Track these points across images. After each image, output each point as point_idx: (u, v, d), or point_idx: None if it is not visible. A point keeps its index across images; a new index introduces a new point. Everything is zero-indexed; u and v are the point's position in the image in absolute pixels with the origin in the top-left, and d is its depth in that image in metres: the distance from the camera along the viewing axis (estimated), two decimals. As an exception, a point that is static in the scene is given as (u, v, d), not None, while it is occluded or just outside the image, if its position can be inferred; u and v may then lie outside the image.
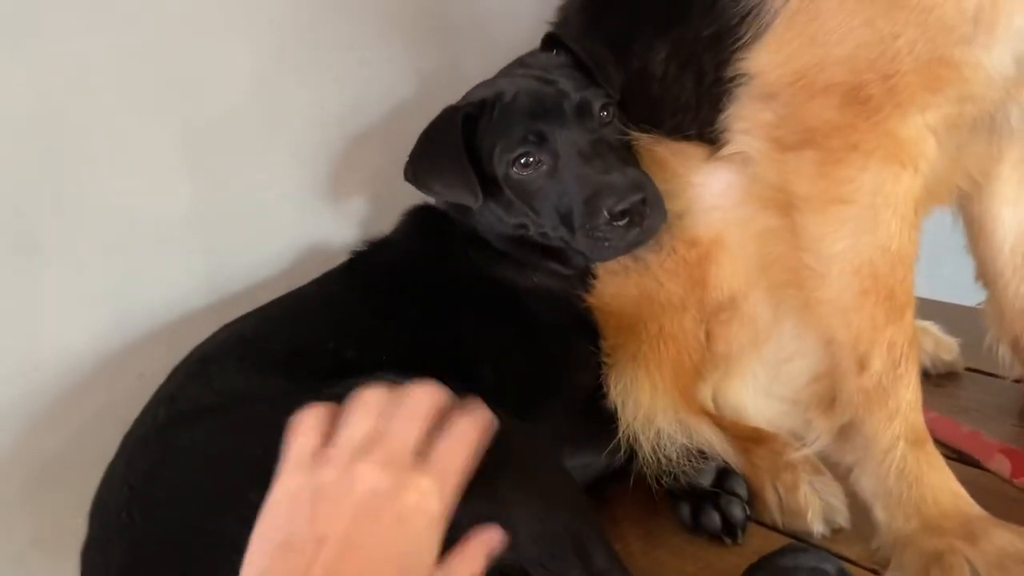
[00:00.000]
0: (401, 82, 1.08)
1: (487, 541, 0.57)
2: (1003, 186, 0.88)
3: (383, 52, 1.06)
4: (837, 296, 0.74)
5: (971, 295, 0.99)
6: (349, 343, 0.77)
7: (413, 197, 0.94)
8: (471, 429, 0.59)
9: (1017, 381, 0.96)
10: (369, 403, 0.58)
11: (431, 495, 0.54)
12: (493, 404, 0.75)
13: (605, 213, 0.80)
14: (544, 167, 0.84)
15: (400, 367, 0.71)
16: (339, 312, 0.83)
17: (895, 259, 0.72)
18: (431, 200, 0.94)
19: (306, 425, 0.57)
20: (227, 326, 0.82)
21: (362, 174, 1.05)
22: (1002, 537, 0.69)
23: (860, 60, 0.66)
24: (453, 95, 0.91)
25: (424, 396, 0.59)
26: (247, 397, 0.70)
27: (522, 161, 0.83)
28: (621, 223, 0.81)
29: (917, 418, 0.75)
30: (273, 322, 0.82)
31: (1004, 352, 0.95)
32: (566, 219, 0.83)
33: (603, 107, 0.85)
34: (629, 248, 0.84)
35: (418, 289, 0.85)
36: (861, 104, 0.67)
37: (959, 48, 0.63)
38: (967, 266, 0.97)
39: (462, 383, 0.73)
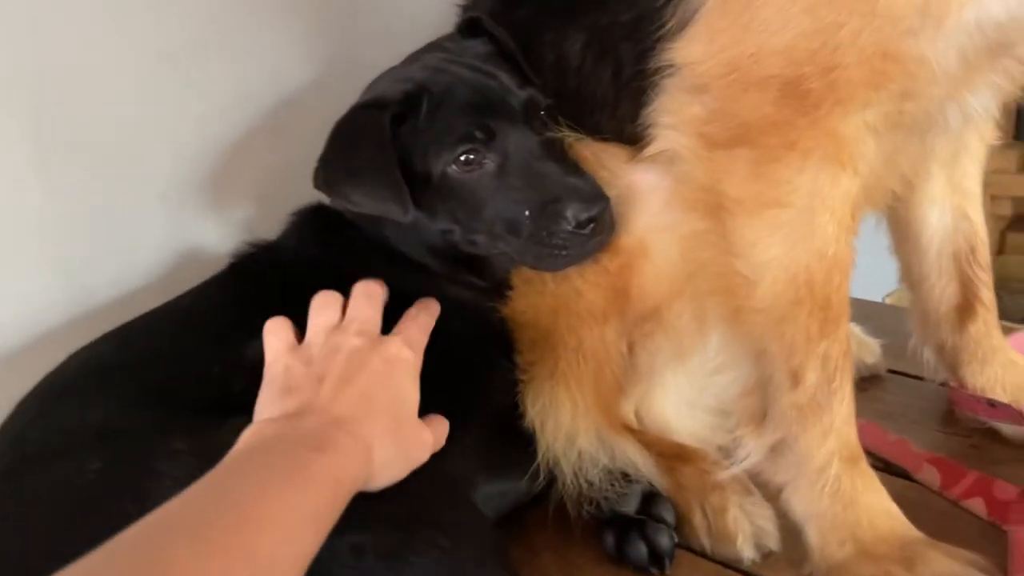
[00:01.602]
0: (292, 71, 0.97)
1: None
2: (931, 186, 0.85)
3: (272, 39, 0.96)
4: (770, 305, 0.69)
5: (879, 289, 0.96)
6: (237, 369, 0.66)
7: (306, 198, 0.84)
8: (420, 312, 0.72)
9: (942, 384, 0.93)
10: (328, 300, 0.70)
11: (403, 348, 0.67)
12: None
13: (570, 219, 0.73)
14: (491, 166, 0.75)
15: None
16: (220, 329, 0.72)
17: (832, 266, 0.67)
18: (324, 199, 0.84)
19: (276, 325, 0.68)
20: (85, 349, 0.70)
21: (249, 172, 0.95)
22: (940, 562, 0.65)
23: (799, 51, 0.60)
24: (351, 85, 0.82)
25: (368, 288, 0.72)
26: (109, 436, 0.59)
27: (464, 159, 0.75)
28: (585, 231, 0.74)
29: (851, 434, 0.71)
30: (142, 343, 0.70)
31: (929, 356, 0.92)
32: (513, 225, 0.75)
33: (543, 105, 0.79)
34: (585, 259, 0.78)
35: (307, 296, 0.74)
36: (800, 99, 0.62)
37: (905, 41, 0.58)
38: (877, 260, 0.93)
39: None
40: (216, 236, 0.92)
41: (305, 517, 0.50)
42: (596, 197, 0.75)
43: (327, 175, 0.76)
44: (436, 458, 0.65)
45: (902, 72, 0.60)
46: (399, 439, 0.61)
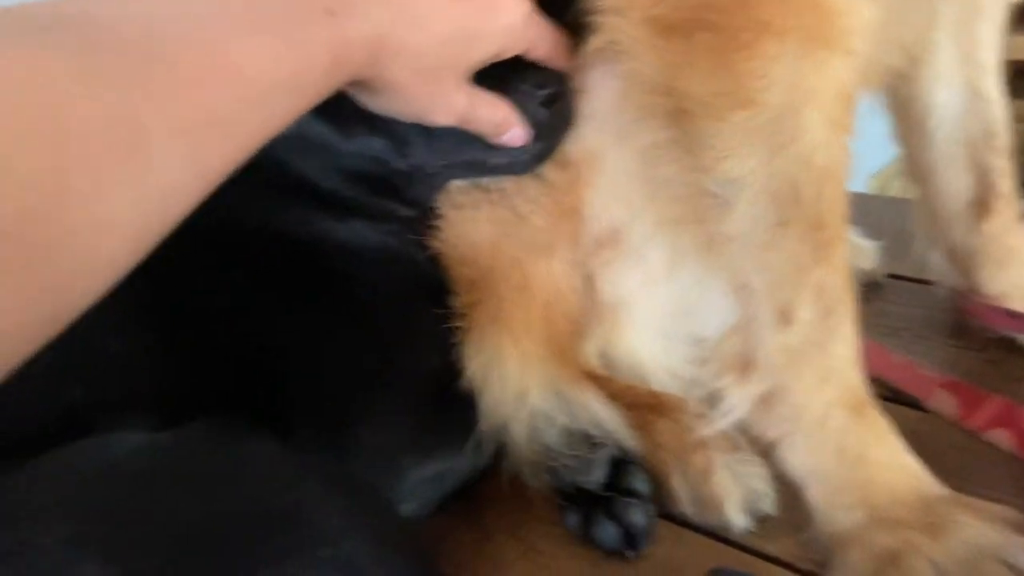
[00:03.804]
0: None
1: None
2: (937, 59, 0.70)
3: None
4: (749, 230, 0.56)
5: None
6: (72, 371, 0.50)
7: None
8: None
9: (953, 291, 0.80)
10: None
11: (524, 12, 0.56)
12: (306, 426, 0.56)
13: (530, 89, 0.61)
14: None
15: (158, 402, 0.49)
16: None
17: (822, 176, 0.53)
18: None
19: None
20: None
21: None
22: (972, 528, 0.53)
23: None
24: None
25: None
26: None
27: None
28: (549, 110, 0.62)
29: (854, 377, 0.59)
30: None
31: (938, 261, 0.79)
32: None
33: None
34: (553, 150, 0.65)
35: (179, 264, 0.59)
36: (770, -39, 0.47)
37: None
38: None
39: (259, 408, 0.53)
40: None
41: (279, 81, 0.40)
42: (558, 72, 0.62)
43: None
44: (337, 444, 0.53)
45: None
46: (427, 75, 0.52)
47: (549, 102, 0.61)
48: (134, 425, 0.46)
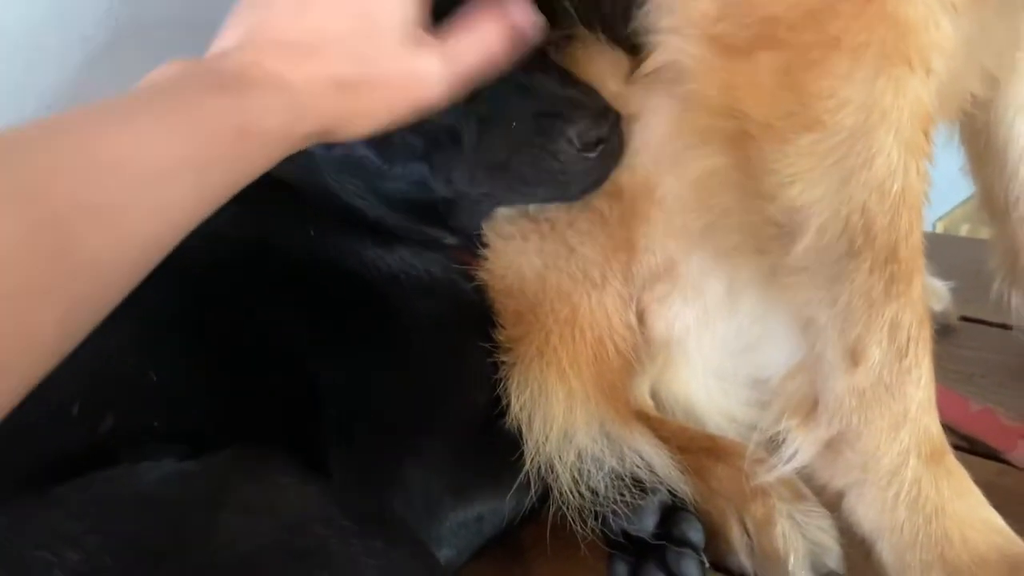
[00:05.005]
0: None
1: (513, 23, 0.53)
2: (1020, 84, 0.66)
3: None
4: (816, 262, 0.52)
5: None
6: (106, 399, 0.48)
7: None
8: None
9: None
10: None
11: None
12: (342, 459, 0.53)
13: (573, 139, 0.58)
14: None
15: (191, 430, 0.48)
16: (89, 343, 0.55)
17: (898, 204, 0.50)
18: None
19: None
20: None
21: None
22: (1064, 592, 0.48)
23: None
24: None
25: None
26: None
27: None
28: (592, 154, 0.59)
29: (931, 423, 0.54)
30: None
31: (1019, 304, 0.74)
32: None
33: None
34: (590, 191, 0.63)
35: (222, 292, 0.57)
36: (843, -27, 0.44)
37: None
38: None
39: (296, 439, 0.51)
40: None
41: (173, 163, 0.41)
42: (603, 110, 0.59)
43: None
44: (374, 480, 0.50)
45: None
46: (368, 80, 0.49)
47: (596, 145, 0.59)
48: (164, 453, 0.44)
